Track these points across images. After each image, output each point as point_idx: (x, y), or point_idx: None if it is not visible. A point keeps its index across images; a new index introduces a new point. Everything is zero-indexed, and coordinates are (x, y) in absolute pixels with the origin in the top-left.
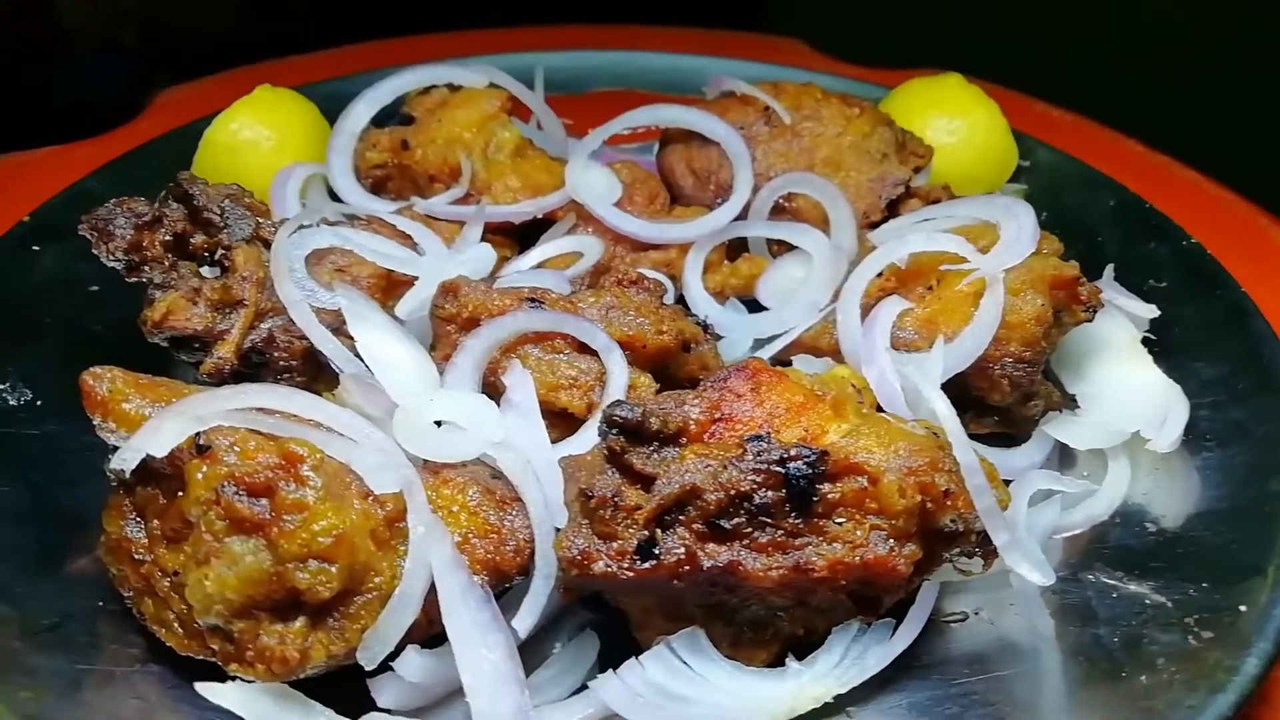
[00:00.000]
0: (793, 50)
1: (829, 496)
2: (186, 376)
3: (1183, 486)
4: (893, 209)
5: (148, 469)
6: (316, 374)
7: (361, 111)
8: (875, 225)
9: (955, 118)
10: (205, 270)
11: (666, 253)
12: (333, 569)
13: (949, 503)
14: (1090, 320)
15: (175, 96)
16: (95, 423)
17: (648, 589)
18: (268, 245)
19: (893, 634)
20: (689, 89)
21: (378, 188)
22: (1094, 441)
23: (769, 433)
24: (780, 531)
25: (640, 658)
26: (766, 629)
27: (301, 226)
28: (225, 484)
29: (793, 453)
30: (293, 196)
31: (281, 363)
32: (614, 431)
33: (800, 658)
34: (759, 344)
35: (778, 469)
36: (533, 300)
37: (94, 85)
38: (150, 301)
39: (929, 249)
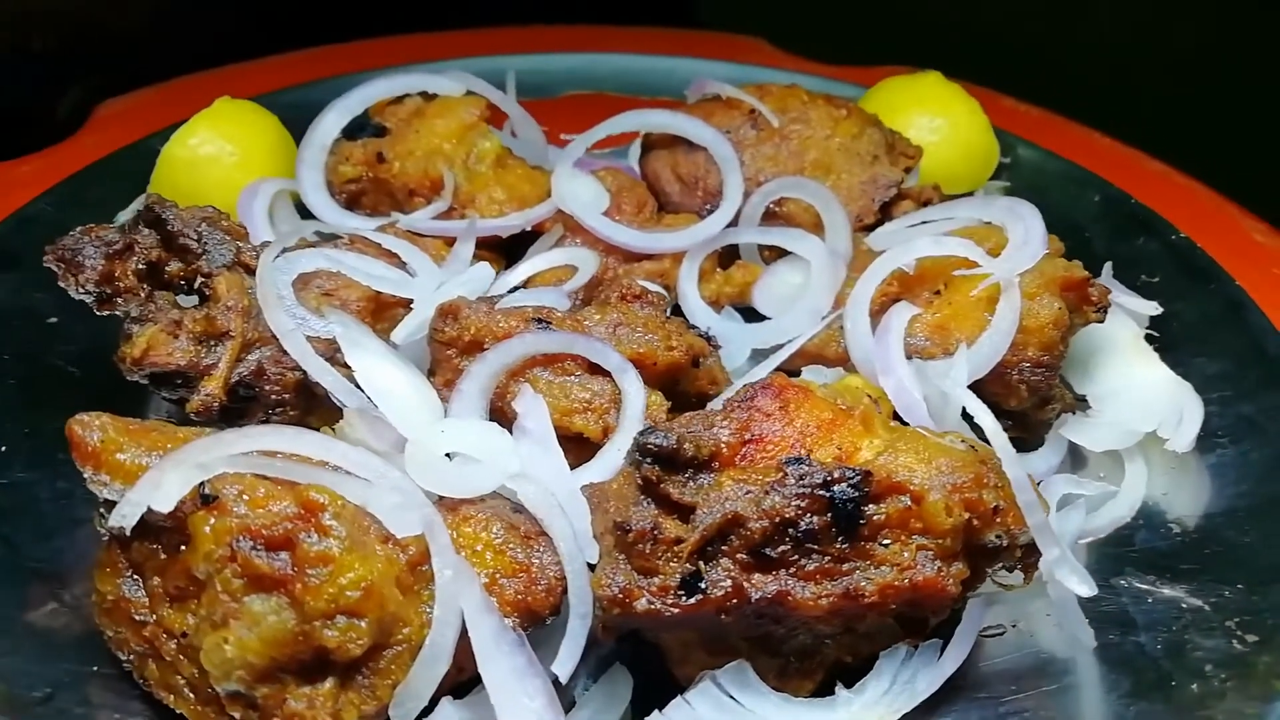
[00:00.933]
0: (756, 49)
1: (874, 519)
2: (161, 413)
3: (1201, 485)
4: (885, 211)
5: (145, 523)
6: (310, 407)
7: (331, 123)
8: (869, 228)
9: (937, 116)
10: (182, 300)
11: (660, 263)
12: (363, 624)
13: (998, 520)
14: (1101, 321)
15: (116, 109)
16: (86, 475)
17: (692, 624)
18: (249, 271)
19: (940, 655)
20: (662, 91)
21: (351, 203)
22: (1110, 443)
23: (805, 453)
24: (827, 557)
25: (686, 696)
26: (813, 657)
27: (285, 249)
28: (240, 538)
29: (836, 475)
30: (261, 214)
31: (274, 396)
32: (648, 460)
33: (846, 684)
34: (759, 354)
35: (822, 493)
36: (540, 320)
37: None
38: (128, 336)
39: (937, 253)
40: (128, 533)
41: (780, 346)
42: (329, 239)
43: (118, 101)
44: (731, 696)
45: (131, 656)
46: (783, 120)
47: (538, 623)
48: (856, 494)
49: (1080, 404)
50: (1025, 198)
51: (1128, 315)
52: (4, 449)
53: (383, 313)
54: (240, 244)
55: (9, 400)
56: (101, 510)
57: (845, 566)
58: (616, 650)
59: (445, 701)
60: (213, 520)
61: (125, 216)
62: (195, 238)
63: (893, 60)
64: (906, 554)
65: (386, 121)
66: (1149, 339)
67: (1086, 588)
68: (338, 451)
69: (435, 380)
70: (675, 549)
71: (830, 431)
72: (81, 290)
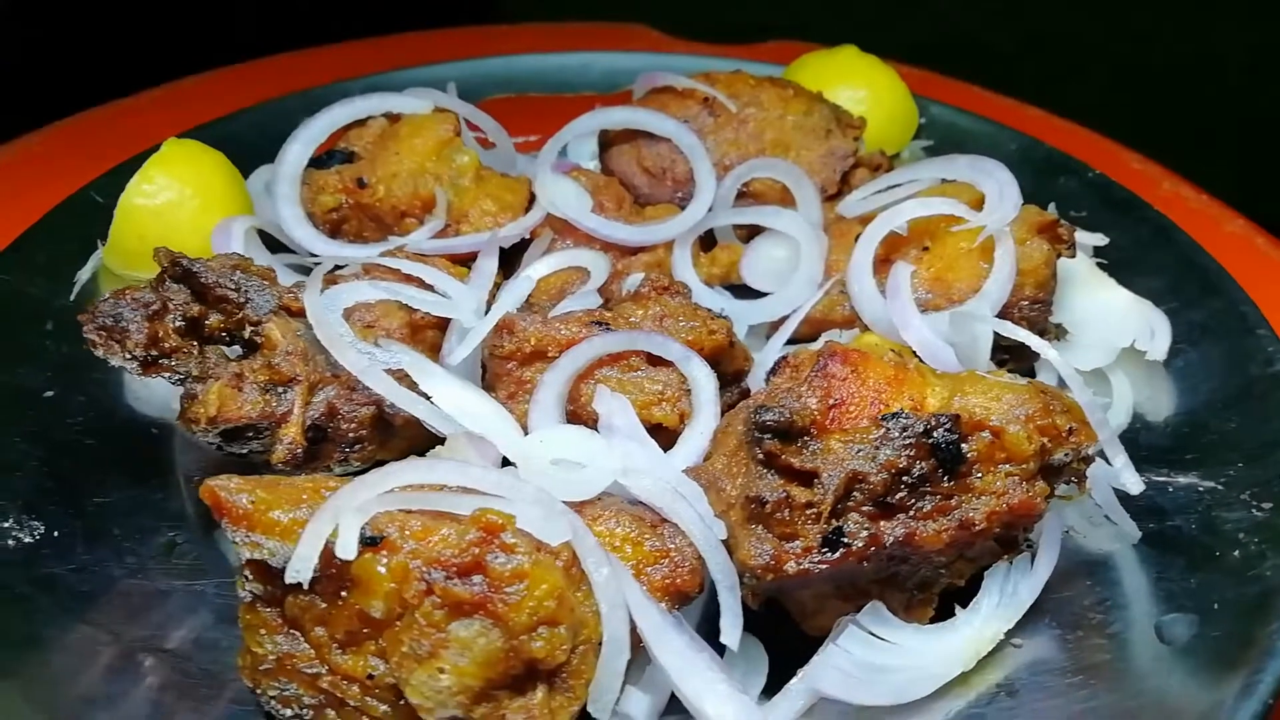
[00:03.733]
0: (643, 36)
1: (968, 456)
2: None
3: (1177, 387)
4: (844, 180)
5: (282, 576)
6: (384, 440)
7: (298, 154)
8: (832, 198)
9: (860, 87)
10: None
11: (655, 254)
12: (562, 630)
13: (1071, 439)
14: (1073, 256)
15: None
16: (236, 537)
17: (833, 578)
18: (290, 312)
19: (1032, 565)
20: (581, 86)
21: (333, 233)
22: (1096, 361)
23: (883, 409)
24: (938, 497)
25: (837, 640)
26: (931, 587)
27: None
28: (430, 570)
29: (933, 423)
30: (239, 247)
31: (351, 435)
32: (769, 436)
33: (961, 604)
34: (755, 330)
35: (925, 440)
36: (598, 323)
37: None
38: (192, 397)
39: (925, 213)
40: (305, 584)
41: (786, 318)
42: (301, 271)
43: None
44: (873, 634)
45: (305, 710)
46: (738, 105)
47: (687, 603)
48: (954, 437)
49: (1060, 332)
50: (948, 153)
51: (1079, 248)
52: (57, 534)
53: (416, 337)
54: (279, 288)
55: (40, 484)
56: (246, 574)
57: (953, 502)
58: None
59: (631, 690)
60: (384, 559)
61: (85, 275)
62: (233, 287)
63: (771, 36)
64: (999, 483)
65: (353, 146)
66: (1100, 267)
67: (1139, 485)
68: (473, 475)
69: (498, 395)
70: (807, 512)
71: (899, 386)
72: (128, 357)
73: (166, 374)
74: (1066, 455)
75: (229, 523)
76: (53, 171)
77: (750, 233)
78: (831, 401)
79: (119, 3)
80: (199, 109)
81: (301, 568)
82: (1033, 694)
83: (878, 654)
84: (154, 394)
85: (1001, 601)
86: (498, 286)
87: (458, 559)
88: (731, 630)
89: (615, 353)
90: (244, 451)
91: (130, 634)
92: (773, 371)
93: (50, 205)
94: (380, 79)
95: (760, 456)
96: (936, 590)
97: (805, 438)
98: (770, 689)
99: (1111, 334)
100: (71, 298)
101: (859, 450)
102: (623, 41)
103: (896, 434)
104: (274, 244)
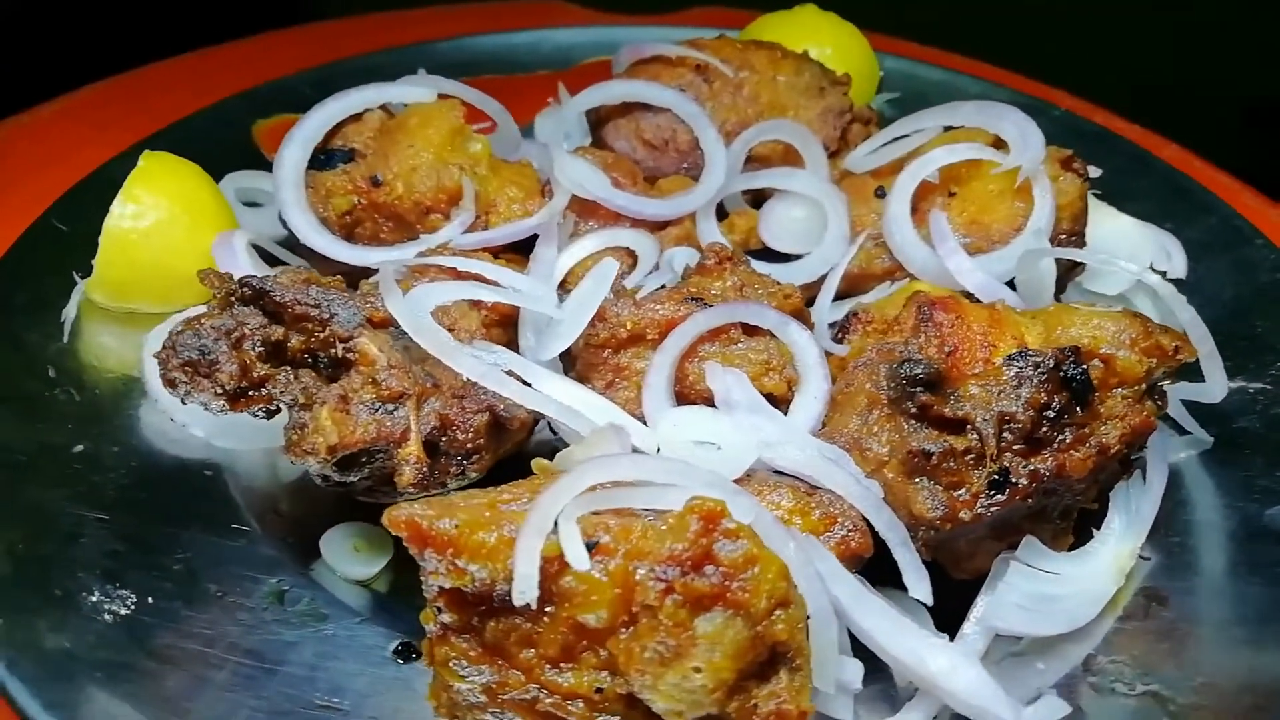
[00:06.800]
0: (562, 11)
1: (1095, 385)
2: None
3: (1194, 302)
4: (841, 136)
5: (479, 602)
6: (497, 447)
7: (298, 157)
8: (833, 155)
9: (825, 45)
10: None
11: (683, 226)
12: (793, 609)
13: (1178, 356)
14: (1090, 187)
15: None
16: (440, 566)
17: (997, 519)
18: (372, 324)
19: (1144, 482)
20: (534, 65)
21: (347, 238)
22: (1120, 286)
23: (991, 349)
24: (1074, 427)
25: (1004, 578)
26: (1070, 515)
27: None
28: (665, 568)
29: (1059, 357)
30: (250, 264)
31: (469, 445)
32: (920, 390)
33: (1088, 529)
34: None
35: (1057, 374)
36: (694, 299)
37: None
38: (301, 426)
39: (953, 160)
40: (533, 605)
41: (823, 277)
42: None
43: None
44: (1036, 567)
45: None
46: (731, 68)
47: (859, 565)
48: (1082, 369)
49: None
50: (914, 102)
51: None
52: (151, 600)
53: (489, 335)
54: (360, 299)
55: (110, 549)
56: (438, 606)
57: (1087, 430)
58: None
59: (847, 661)
60: (600, 564)
61: (72, 313)
62: (314, 303)
63: (685, 5)
64: (1119, 406)
65: (352, 143)
66: (1098, 198)
67: (1224, 391)
68: (649, 467)
69: (595, 385)
70: (966, 459)
71: (1000, 327)
72: (219, 392)
73: (257, 407)
74: (1165, 374)
75: (433, 551)
76: None
77: (754, 198)
78: (947, 349)
79: None
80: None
81: (526, 588)
82: (1182, 599)
83: (1045, 585)
84: (188, 434)
85: (1129, 519)
86: None
87: (688, 553)
88: (920, 584)
89: (716, 327)
90: (352, 480)
91: (275, 694)
92: (844, 329)
93: None
94: (319, 73)
95: (914, 410)
96: (1074, 518)
97: (948, 388)
98: None
99: (1129, 259)
100: (65, 339)
101: (1000, 392)
102: (542, 18)
103: (1031, 372)
104: (270, 258)
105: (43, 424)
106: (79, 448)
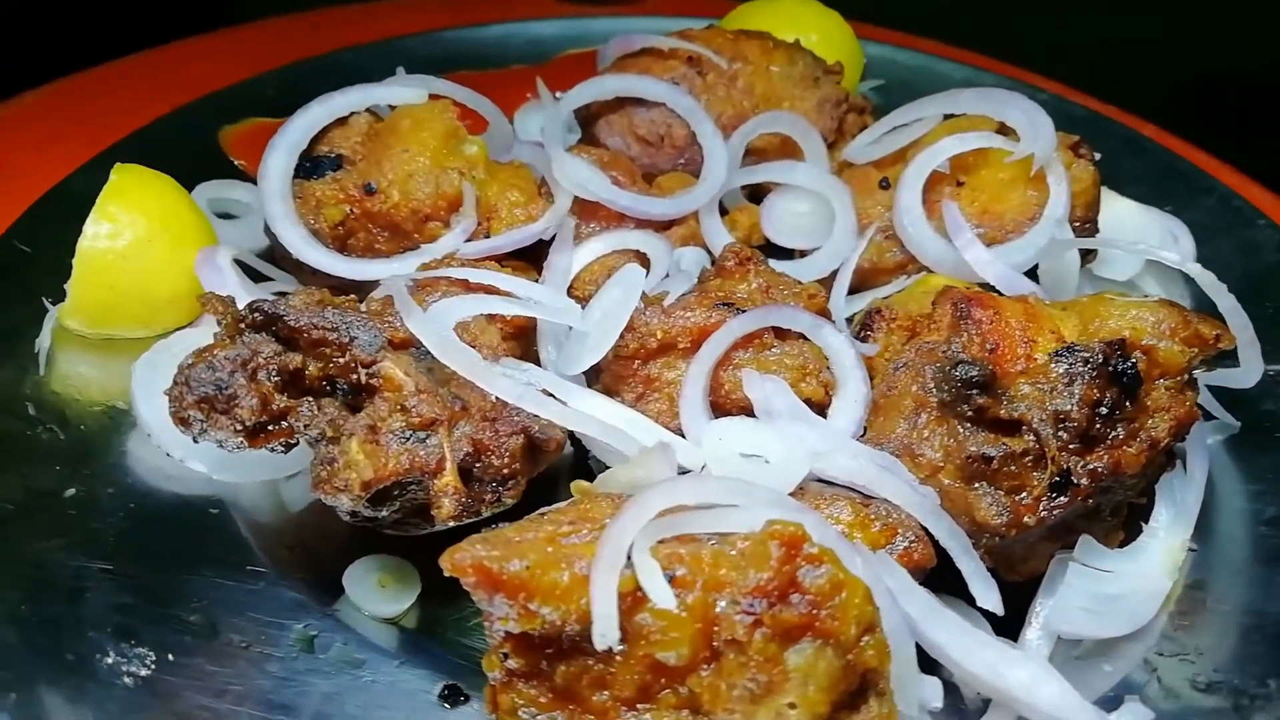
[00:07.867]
0: (534, 3)
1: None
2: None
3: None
4: (838, 127)
5: (547, 644)
6: (531, 470)
7: (283, 166)
8: (831, 146)
9: (810, 33)
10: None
11: (688, 225)
12: (879, 633)
13: (1220, 344)
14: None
15: None
16: (508, 610)
17: (1058, 520)
18: (392, 345)
19: (1186, 473)
20: (508, 60)
21: (340, 250)
22: (1132, 270)
23: (1031, 345)
24: (1124, 422)
25: (1065, 578)
26: (1120, 511)
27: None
28: (751, 601)
29: (1108, 350)
30: (236, 279)
31: (505, 471)
32: (975, 392)
33: (1136, 522)
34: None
35: (1106, 369)
36: (725, 304)
37: None
38: (330, 461)
39: (963, 149)
40: (615, 648)
41: (835, 272)
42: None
43: None
44: (1091, 566)
45: None
46: (724, 60)
47: (925, 574)
48: (1130, 362)
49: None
50: (899, 90)
51: None
52: (171, 656)
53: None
54: (378, 320)
55: (119, 603)
56: (504, 651)
57: (1136, 425)
58: None
59: (924, 679)
60: (678, 597)
61: (45, 342)
62: (332, 327)
63: None
64: (1164, 398)
65: (338, 149)
66: None
67: (1259, 375)
68: (711, 488)
69: (625, 399)
70: (1025, 461)
71: (1038, 321)
72: (238, 429)
73: (277, 441)
74: (1203, 363)
75: (503, 596)
76: None
77: (751, 192)
78: (989, 347)
79: None
80: None
81: (607, 629)
82: (1228, 587)
83: (1105, 584)
84: (186, 469)
85: (1175, 511)
86: None
87: (774, 582)
88: (988, 593)
89: (750, 333)
90: (382, 515)
91: None
92: (867, 326)
93: None
94: (283, 74)
95: (970, 413)
96: (1124, 514)
97: (999, 388)
98: None
99: (1139, 242)
100: (41, 371)
101: (1052, 390)
102: (505, 11)
103: (1082, 368)
104: (253, 273)
105: (28, 468)
106: (70, 491)
